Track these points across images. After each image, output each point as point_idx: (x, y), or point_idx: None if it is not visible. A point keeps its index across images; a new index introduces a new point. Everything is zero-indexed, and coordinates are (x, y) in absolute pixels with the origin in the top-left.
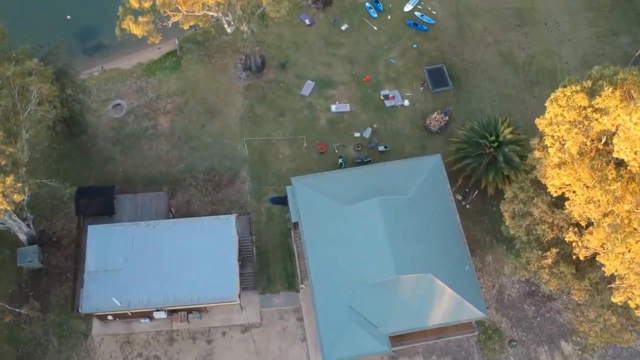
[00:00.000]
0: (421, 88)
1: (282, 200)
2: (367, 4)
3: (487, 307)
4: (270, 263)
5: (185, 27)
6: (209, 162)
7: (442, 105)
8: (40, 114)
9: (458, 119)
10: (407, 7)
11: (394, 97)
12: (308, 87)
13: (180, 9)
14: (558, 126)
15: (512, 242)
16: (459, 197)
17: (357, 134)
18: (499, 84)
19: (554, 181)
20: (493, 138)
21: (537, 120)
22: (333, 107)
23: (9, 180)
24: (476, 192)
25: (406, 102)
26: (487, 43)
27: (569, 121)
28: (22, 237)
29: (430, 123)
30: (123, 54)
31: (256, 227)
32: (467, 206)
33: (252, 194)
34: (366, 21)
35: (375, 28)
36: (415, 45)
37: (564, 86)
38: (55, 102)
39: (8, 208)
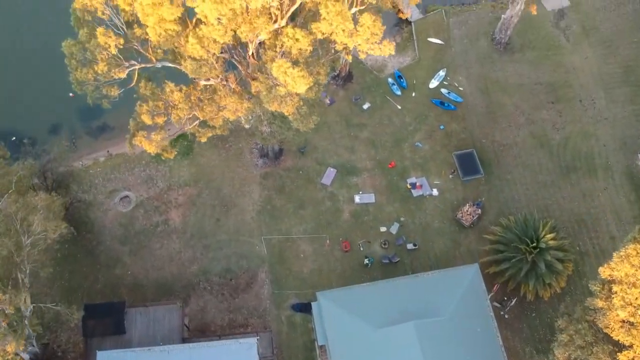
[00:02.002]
0: (450, 176)
1: (305, 308)
2: (390, 80)
3: None
4: None
5: (203, 139)
6: (224, 263)
7: (473, 195)
8: (44, 240)
9: (491, 210)
10: (433, 84)
11: (421, 186)
12: (329, 175)
13: (198, 115)
14: (631, 288)
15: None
16: (497, 304)
17: (383, 229)
18: (533, 169)
19: (621, 337)
20: (534, 245)
21: (601, 269)
22: (357, 198)
23: (11, 348)
24: (515, 300)
25: (435, 192)
26: (519, 123)
27: None
28: (25, 357)
29: (462, 217)
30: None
31: (277, 339)
32: (506, 316)
33: (272, 299)
34: (389, 99)
35: (399, 107)
36: (442, 127)
37: (636, 240)
38: (60, 228)
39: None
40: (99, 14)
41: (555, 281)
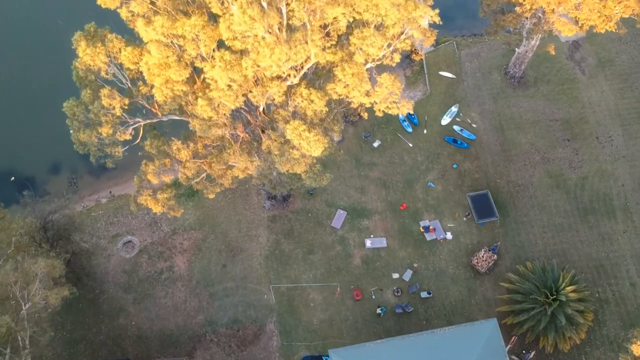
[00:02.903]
0: (464, 218)
1: None
2: (401, 116)
3: None
4: None
5: (211, 196)
6: (231, 313)
7: (488, 239)
8: (44, 308)
9: (507, 255)
10: (445, 120)
11: (434, 230)
12: (339, 217)
13: (205, 170)
14: None
15: None
16: (514, 358)
17: (395, 275)
18: (549, 211)
19: None
20: (553, 297)
21: (634, 347)
22: (368, 243)
23: None
24: (533, 353)
25: (449, 235)
26: (534, 162)
27: None
28: None
29: (477, 263)
30: (133, 177)
31: None
32: None
33: (281, 352)
34: (400, 136)
35: (411, 145)
36: (455, 165)
37: None
38: (62, 294)
39: None
40: (103, 73)
41: (575, 333)
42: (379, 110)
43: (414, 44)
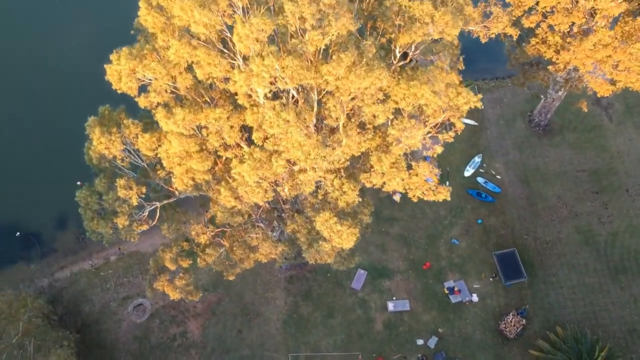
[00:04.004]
0: (491, 279)
1: None
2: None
3: None
4: None
5: (231, 277)
6: None
7: (516, 301)
8: None
9: (535, 318)
10: (468, 172)
11: (460, 291)
12: (359, 278)
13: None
14: None
15: None
16: None
17: (420, 342)
18: (579, 270)
19: None
20: None
21: None
22: (390, 306)
23: None
24: None
25: (474, 297)
26: (562, 216)
27: None
28: None
29: (505, 327)
30: (143, 232)
31: None
32: None
33: None
34: None
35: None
36: (479, 221)
37: None
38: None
39: None
40: (118, 161)
41: None
42: (414, 196)
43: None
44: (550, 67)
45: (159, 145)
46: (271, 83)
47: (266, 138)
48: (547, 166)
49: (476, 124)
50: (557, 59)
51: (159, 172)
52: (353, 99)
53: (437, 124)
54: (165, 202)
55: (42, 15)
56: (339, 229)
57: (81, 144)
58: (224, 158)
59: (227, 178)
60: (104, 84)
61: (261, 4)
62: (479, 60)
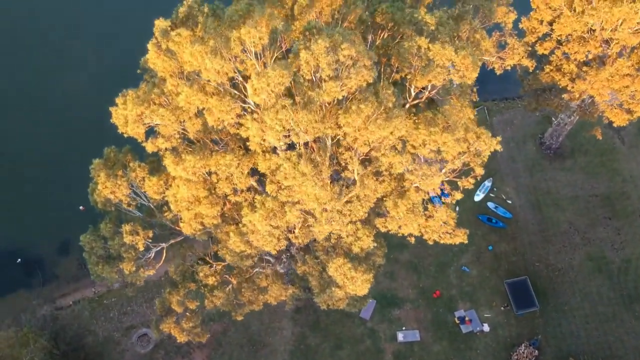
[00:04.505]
0: (502, 308)
1: None
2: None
3: None
4: None
5: (239, 318)
6: None
7: (528, 331)
8: None
9: (548, 349)
10: (478, 196)
11: (471, 321)
12: (368, 307)
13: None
14: None
15: None
16: None
17: None
18: (592, 299)
19: None
20: None
21: None
22: (400, 336)
23: None
24: None
25: (486, 327)
26: (574, 243)
27: None
28: None
29: (517, 359)
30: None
31: None
32: None
33: None
34: None
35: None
36: (490, 247)
37: None
38: None
39: None
40: (124, 205)
41: None
42: (430, 239)
43: None
44: (565, 95)
45: (167, 188)
46: (285, 136)
47: (280, 188)
48: (559, 190)
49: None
50: (572, 87)
51: (166, 214)
52: (371, 150)
53: (456, 169)
54: (172, 241)
55: (45, 51)
56: (353, 275)
57: (84, 171)
58: (233, 201)
59: (237, 216)
60: (108, 121)
61: (275, 48)
62: (488, 80)
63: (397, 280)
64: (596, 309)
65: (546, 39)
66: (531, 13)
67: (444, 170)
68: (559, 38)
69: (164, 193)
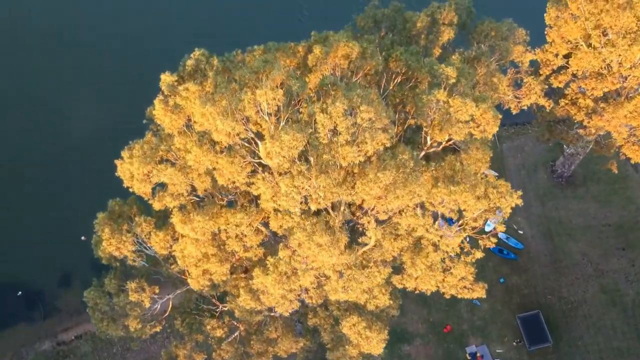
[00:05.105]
0: (514, 344)
1: None
2: (441, 221)
3: None
4: None
5: None
6: None
7: None
8: None
9: None
10: (489, 226)
11: (482, 357)
12: None
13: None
14: None
15: None
16: None
17: None
18: (606, 333)
19: None
20: None
21: None
22: None
23: None
24: None
25: None
26: (587, 274)
27: None
28: None
29: None
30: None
31: None
32: None
33: None
34: None
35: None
36: (502, 280)
37: None
38: None
39: None
40: (130, 261)
41: None
42: (447, 293)
43: None
44: (580, 130)
45: (174, 241)
46: (301, 202)
47: (294, 253)
48: (571, 220)
49: (497, 174)
50: (589, 122)
51: (172, 266)
52: (390, 218)
53: (476, 227)
54: (178, 291)
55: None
56: (368, 335)
57: (87, 202)
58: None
59: (247, 267)
60: (111, 163)
61: (290, 107)
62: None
63: (407, 314)
64: (611, 344)
65: (561, 72)
66: (546, 46)
67: (463, 228)
68: (574, 72)
69: (171, 247)
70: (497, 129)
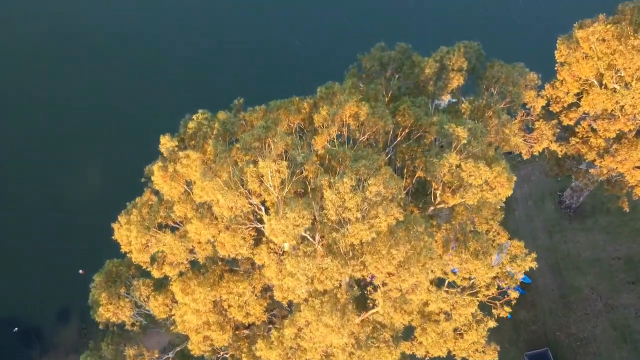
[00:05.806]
0: None
1: None
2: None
3: None
4: None
5: None
6: None
7: None
8: None
9: None
10: (496, 260)
11: None
12: None
13: None
14: None
15: None
16: None
17: None
18: None
19: None
20: None
21: None
22: None
23: None
24: None
25: None
26: (597, 310)
27: None
28: None
29: None
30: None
31: None
32: None
33: None
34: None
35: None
36: (509, 316)
37: None
38: None
39: None
40: (128, 326)
41: None
42: (458, 355)
43: None
44: (592, 170)
45: (174, 303)
46: (307, 282)
47: (300, 330)
48: (579, 253)
49: (503, 204)
50: (600, 163)
51: (172, 328)
52: (403, 295)
53: (488, 295)
54: (178, 349)
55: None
56: None
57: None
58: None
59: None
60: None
61: (294, 178)
62: None
63: None
64: None
65: (572, 109)
66: (556, 83)
67: (474, 295)
68: (585, 111)
69: (171, 312)
70: (511, 192)
